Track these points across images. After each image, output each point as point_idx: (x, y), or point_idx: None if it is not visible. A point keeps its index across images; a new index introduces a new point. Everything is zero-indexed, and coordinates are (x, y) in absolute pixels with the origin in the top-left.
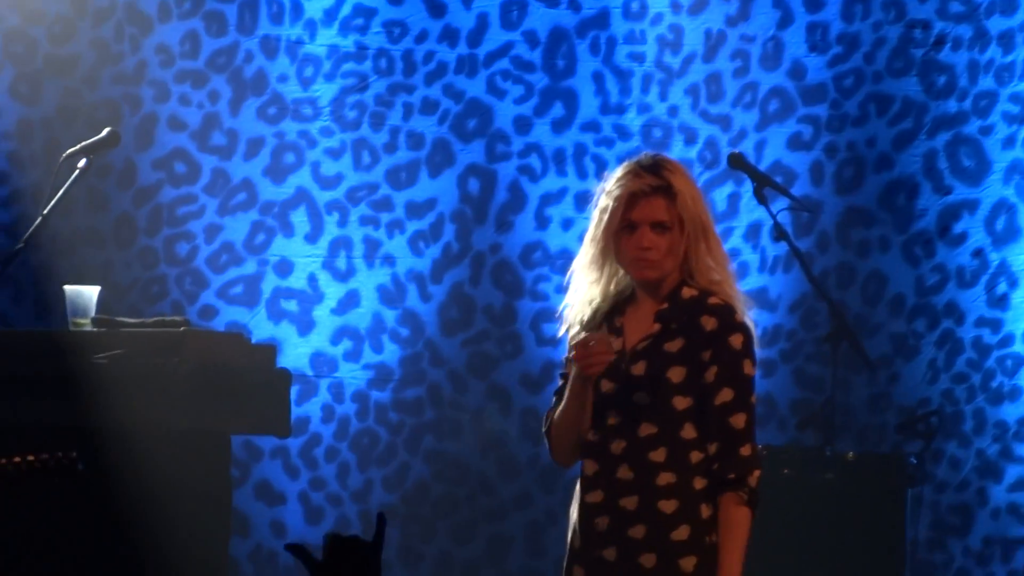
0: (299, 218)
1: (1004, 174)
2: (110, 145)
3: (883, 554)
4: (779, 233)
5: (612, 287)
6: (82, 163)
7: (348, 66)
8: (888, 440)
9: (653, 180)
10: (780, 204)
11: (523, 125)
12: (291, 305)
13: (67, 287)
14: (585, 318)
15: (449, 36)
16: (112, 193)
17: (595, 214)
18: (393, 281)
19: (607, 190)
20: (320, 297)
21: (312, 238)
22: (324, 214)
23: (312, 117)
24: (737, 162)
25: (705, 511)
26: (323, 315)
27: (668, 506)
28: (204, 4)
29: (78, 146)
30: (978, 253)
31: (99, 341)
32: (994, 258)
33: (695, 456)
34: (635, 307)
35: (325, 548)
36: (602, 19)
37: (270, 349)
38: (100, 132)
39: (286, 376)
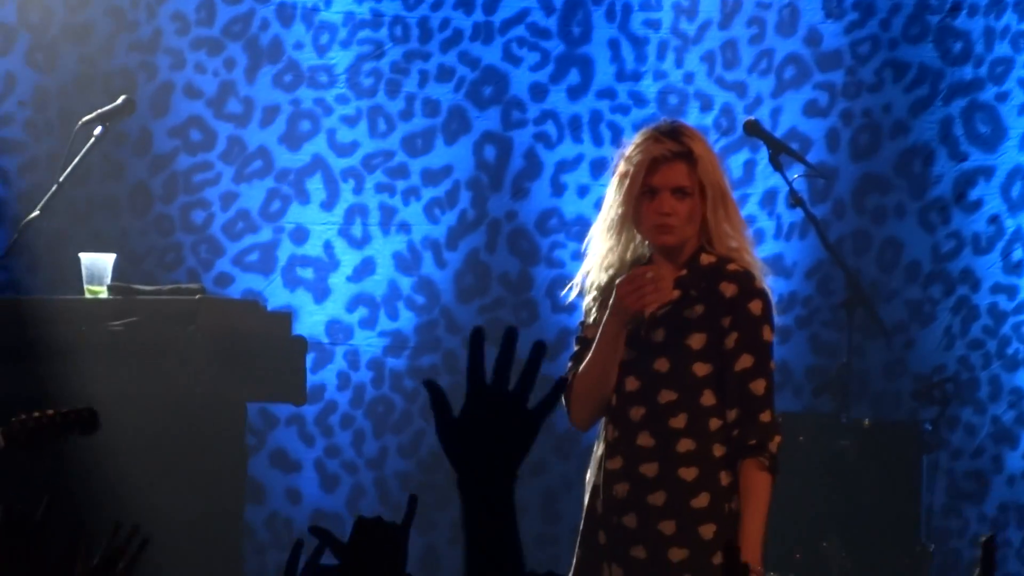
0: (315, 185)
1: (1020, 140)
2: (126, 113)
3: (898, 520)
4: (795, 200)
5: (629, 254)
6: (98, 131)
7: (364, 33)
8: (904, 407)
9: (673, 146)
10: (796, 171)
11: (539, 92)
12: (307, 273)
13: (83, 255)
14: (603, 284)
15: (465, 3)
16: (128, 161)
17: (614, 180)
18: (409, 248)
19: (627, 155)
20: (336, 264)
21: (328, 205)
22: (340, 181)
23: (328, 84)
24: (753, 129)
25: (725, 479)
26: (339, 282)
27: (688, 473)
28: None
29: (94, 114)
30: (994, 219)
31: (115, 308)
32: (1010, 224)
33: (714, 423)
34: None
35: (353, 532)
36: None
37: (286, 317)
38: (116, 100)
39: (302, 344)
